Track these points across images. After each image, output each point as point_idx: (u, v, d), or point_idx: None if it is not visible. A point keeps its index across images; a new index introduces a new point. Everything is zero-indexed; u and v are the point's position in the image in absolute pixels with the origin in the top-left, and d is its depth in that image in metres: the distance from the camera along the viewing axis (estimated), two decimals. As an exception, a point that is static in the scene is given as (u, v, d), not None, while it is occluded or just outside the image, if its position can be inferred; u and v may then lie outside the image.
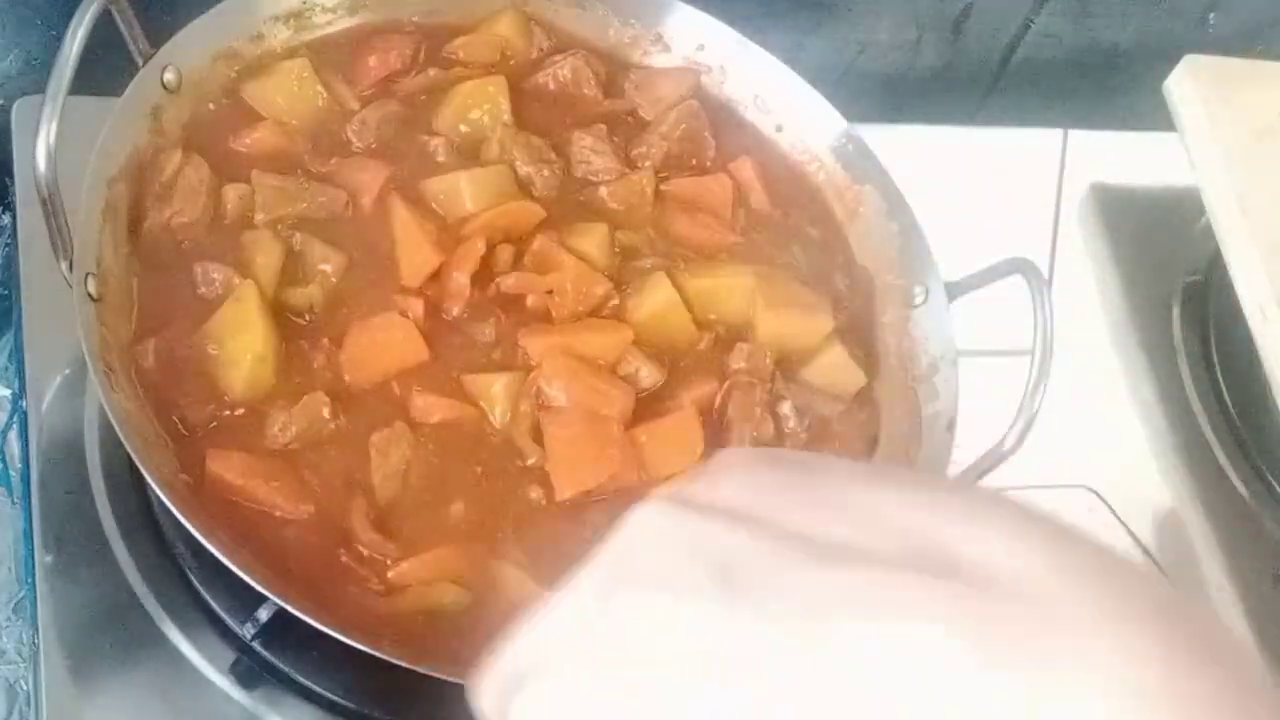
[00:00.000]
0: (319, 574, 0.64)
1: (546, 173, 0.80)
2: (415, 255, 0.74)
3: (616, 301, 0.76)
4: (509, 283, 0.74)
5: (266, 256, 0.71)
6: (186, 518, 0.60)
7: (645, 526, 0.35)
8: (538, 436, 0.70)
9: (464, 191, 0.77)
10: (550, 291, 0.75)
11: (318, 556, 0.64)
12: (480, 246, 0.74)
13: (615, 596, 0.34)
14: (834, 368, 0.79)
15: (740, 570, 0.32)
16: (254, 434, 0.67)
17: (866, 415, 0.79)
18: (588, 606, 0.34)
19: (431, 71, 0.83)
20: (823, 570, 0.31)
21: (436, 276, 0.74)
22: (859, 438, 0.78)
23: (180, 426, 0.66)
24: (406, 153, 0.79)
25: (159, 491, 0.61)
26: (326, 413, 0.68)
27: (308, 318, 0.72)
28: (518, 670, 0.35)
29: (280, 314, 0.71)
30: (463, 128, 0.81)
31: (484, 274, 0.74)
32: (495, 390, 0.71)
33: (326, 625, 0.59)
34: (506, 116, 0.81)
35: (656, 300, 0.76)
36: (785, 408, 0.76)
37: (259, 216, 0.73)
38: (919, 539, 0.32)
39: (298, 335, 0.71)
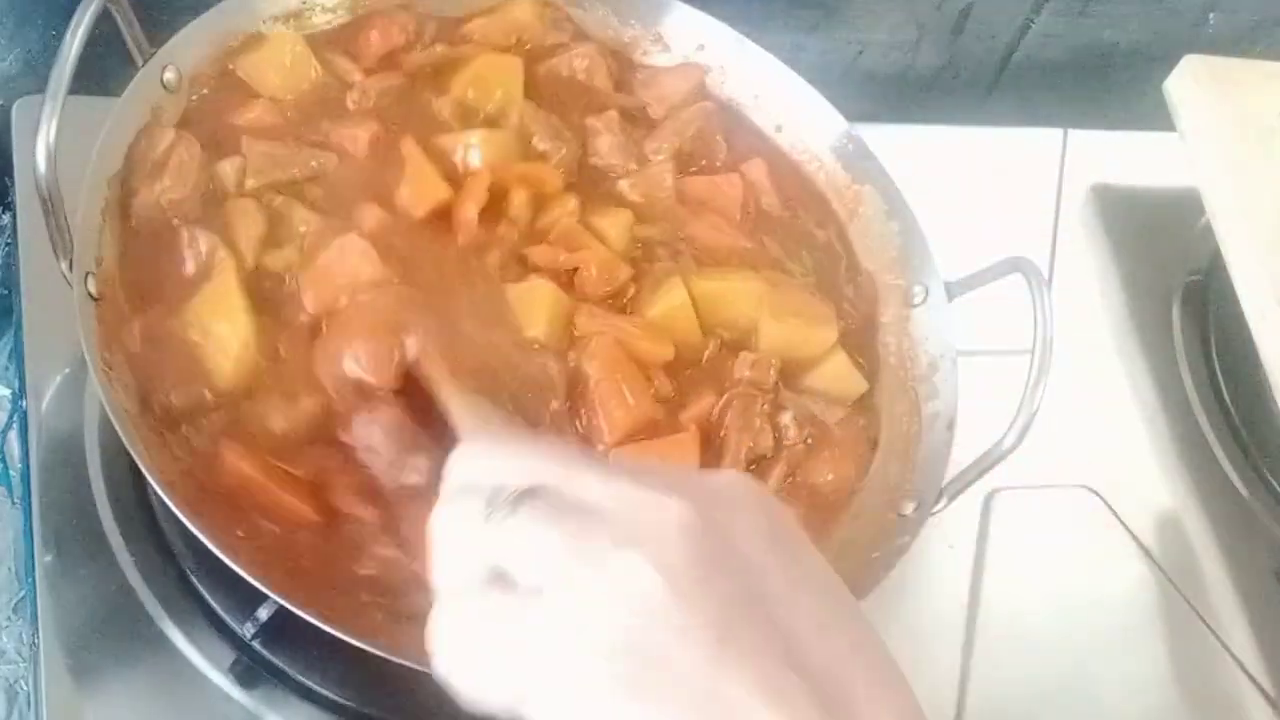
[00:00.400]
0: (331, 576, 0.64)
1: (564, 150, 0.80)
2: (423, 184, 0.73)
3: (634, 293, 0.77)
4: (537, 254, 0.75)
5: (249, 225, 0.70)
6: (186, 516, 0.60)
7: (686, 516, 0.37)
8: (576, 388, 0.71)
9: (476, 148, 0.76)
10: (575, 270, 0.75)
11: (330, 558, 0.64)
12: (487, 178, 0.74)
13: (636, 549, 0.36)
14: (836, 376, 0.79)
15: (739, 629, 0.35)
16: (251, 420, 0.66)
17: (866, 420, 0.79)
18: (602, 524, 0.37)
19: (439, 47, 0.82)
20: (790, 679, 0.35)
21: (443, 215, 0.74)
22: (860, 441, 0.78)
23: (167, 412, 0.65)
24: (409, 117, 0.78)
25: (159, 491, 0.61)
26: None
27: (288, 280, 0.70)
28: (531, 476, 0.38)
29: (261, 282, 0.70)
30: (471, 94, 0.80)
31: (493, 213, 0.74)
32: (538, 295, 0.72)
33: (327, 624, 0.59)
34: (519, 94, 0.81)
35: (669, 302, 0.76)
36: (785, 418, 0.76)
37: (250, 182, 0.72)
38: (833, 689, 0.36)
39: (278, 304, 0.70)
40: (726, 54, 0.89)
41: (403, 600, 0.64)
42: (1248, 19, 1.19)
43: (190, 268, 0.69)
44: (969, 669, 0.84)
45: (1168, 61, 1.02)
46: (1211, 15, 1.18)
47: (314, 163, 0.74)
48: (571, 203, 0.78)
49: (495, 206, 0.75)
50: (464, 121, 0.79)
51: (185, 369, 0.66)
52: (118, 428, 0.61)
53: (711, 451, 0.73)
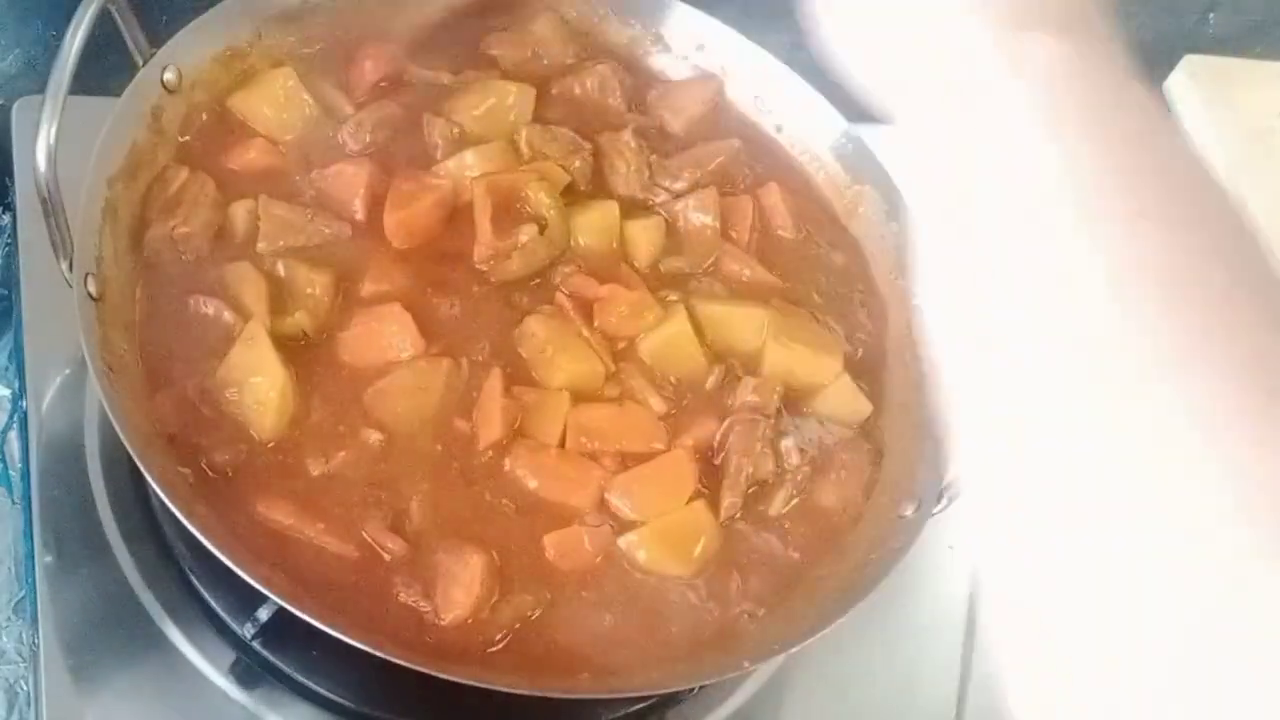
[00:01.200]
0: (371, 608, 0.65)
1: (578, 163, 0.80)
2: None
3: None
4: (573, 282, 0.76)
5: (255, 288, 0.71)
6: (186, 517, 0.60)
7: None
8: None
9: (471, 167, 0.77)
10: (600, 299, 0.75)
11: (367, 592, 0.65)
12: (483, 191, 0.75)
13: None
14: (840, 401, 0.78)
15: None
16: (290, 469, 0.67)
17: (871, 443, 0.78)
18: None
19: (445, 76, 0.82)
20: None
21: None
22: (864, 464, 0.77)
23: (208, 470, 0.66)
24: (408, 147, 0.78)
25: (159, 491, 0.61)
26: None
27: (309, 337, 0.71)
28: None
29: (282, 341, 0.70)
30: (476, 118, 0.80)
31: (506, 220, 0.75)
32: None
33: (327, 624, 0.59)
34: (529, 118, 0.81)
35: (670, 329, 0.76)
36: (787, 444, 0.75)
37: (261, 245, 0.73)
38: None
39: (300, 356, 0.70)
40: (726, 54, 0.89)
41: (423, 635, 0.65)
42: (1248, 19, 1.19)
43: (210, 333, 0.70)
44: (969, 669, 0.84)
45: (1168, 61, 1.02)
46: (1211, 15, 1.18)
47: (327, 230, 0.74)
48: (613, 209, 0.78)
49: (510, 206, 0.75)
50: (462, 147, 0.79)
51: (225, 428, 0.67)
52: (117, 428, 0.61)
53: (712, 474, 0.73)
